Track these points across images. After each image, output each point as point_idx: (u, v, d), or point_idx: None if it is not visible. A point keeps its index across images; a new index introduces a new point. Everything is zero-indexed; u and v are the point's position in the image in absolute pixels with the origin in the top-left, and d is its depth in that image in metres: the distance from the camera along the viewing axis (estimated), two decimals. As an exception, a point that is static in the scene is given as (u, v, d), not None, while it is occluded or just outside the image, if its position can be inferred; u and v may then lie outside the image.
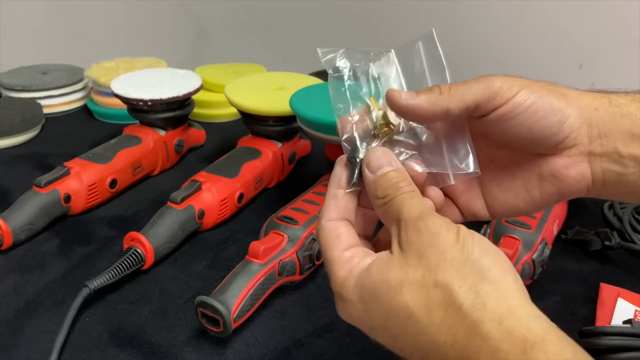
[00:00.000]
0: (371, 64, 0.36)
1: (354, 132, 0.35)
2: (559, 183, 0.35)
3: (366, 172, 0.33)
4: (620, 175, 0.34)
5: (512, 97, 0.33)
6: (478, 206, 0.38)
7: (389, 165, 0.33)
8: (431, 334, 0.27)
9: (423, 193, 0.35)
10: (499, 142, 0.36)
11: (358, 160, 0.34)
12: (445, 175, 0.36)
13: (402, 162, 0.34)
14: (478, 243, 0.28)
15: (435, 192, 0.35)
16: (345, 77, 0.36)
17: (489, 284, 0.26)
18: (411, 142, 0.35)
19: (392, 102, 0.33)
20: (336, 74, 0.36)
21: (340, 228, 0.33)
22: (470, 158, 0.35)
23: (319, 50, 0.36)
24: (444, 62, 0.35)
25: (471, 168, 0.34)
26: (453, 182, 0.36)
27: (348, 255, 0.31)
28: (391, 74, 0.37)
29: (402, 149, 0.34)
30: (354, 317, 0.31)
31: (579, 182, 0.35)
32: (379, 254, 0.31)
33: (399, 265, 0.29)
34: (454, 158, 0.35)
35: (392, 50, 0.37)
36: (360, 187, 0.34)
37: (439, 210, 0.35)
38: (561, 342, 0.24)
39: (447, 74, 0.35)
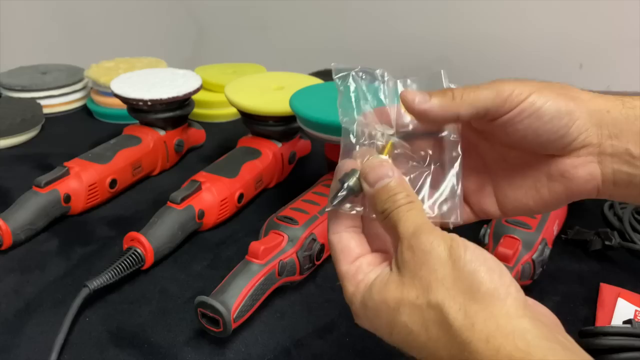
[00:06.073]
0: (381, 84, 0.37)
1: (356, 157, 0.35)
2: (568, 182, 0.36)
3: (365, 185, 0.33)
4: (633, 177, 0.34)
5: (520, 102, 0.33)
6: (489, 204, 0.39)
7: (387, 176, 0.32)
8: (432, 349, 0.28)
9: None
10: (506, 144, 0.37)
11: (345, 185, 0.33)
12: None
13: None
14: (470, 257, 0.28)
15: None
16: (351, 90, 0.36)
17: (478, 303, 0.27)
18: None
19: (405, 105, 0.34)
20: (342, 87, 0.36)
21: (344, 240, 0.33)
22: (455, 206, 0.35)
23: (333, 65, 0.37)
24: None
25: (452, 219, 0.35)
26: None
27: (353, 270, 0.32)
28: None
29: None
30: (366, 327, 0.32)
31: (588, 182, 0.35)
32: (381, 269, 0.32)
33: (395, 285, 0.30)
34: (440, 201, 0.35)
35: (399, 80, 0.37)
36: (340, 207, 0.33)
37: None
38: (546, 354, 0.25)
39: None
